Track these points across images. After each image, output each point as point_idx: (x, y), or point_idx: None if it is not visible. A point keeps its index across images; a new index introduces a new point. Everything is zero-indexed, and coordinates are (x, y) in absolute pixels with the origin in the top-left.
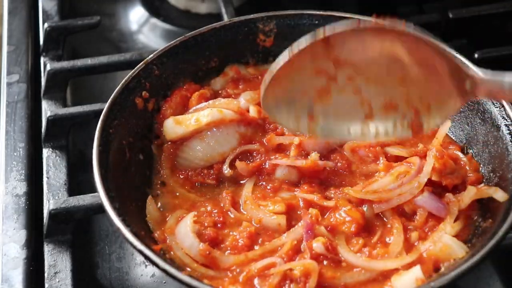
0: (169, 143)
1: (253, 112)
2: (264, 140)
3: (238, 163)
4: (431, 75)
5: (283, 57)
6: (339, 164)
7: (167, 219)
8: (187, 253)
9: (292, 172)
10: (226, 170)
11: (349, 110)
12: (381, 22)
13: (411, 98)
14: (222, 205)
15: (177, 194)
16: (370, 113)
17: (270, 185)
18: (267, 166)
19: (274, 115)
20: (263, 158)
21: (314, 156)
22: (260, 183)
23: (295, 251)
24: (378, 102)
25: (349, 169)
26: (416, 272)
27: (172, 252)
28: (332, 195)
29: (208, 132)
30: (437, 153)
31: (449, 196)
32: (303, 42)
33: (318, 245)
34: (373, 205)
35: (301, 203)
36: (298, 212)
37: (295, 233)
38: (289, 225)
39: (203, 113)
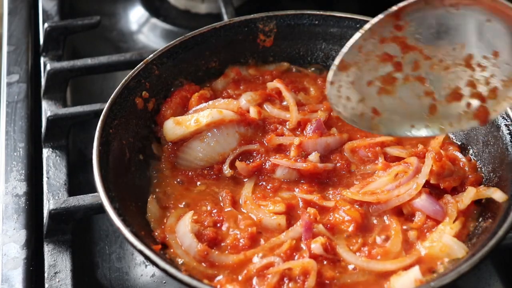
0: (169, 143)
1: (253, 113)
2: (264, 141)
3: (238, 163)
4: (500, 51)
5: (353, 37)
6: (338, 165)
7: (168, 217)
8: (186, 252)
9: (292, 172)
10: (227, 170)
11: (413, 103)
12: None
13: (477, 82)
14: (222, 204)
15: (177, 194)
16: (434, 107)
17: (270, 184)
18: (267, 167)
19: (337, 108)
20: (263, 158)
21: (314, 156)
22: (260, 183)
23: (294, 250)
24: (442, 92)
25: (348, 169)
26: (415, 272)
27: (172, 250)
28: (331, 196)
29: (208, 133)
30: (436, 155)
31: (447, 197)
32: (375, 18)
33: (316, 246)
34: (372, 206)
35: (301, 203)
36: (298, 212)
37: (294, 232)
38: (289, 225)
39: (203, 113)
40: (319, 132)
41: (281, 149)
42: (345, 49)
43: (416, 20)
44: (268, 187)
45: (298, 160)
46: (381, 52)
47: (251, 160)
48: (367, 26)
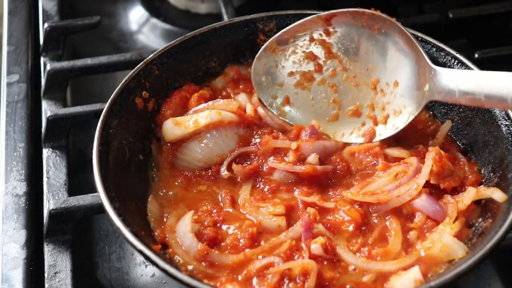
0: (168, 144)
1: (249, 109)
2: (258, 143)
3: (234, 166)
4: (400, 82)
5: (288, 27)
6: (338, 166)
7: (168, 217)
8: (187, 252)
9: (290, 175)
10: (224, 172)
11: (321, 105)
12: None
13: (375, 106)
14: (221, 204)
15: (177, 193)
16: (336, 115)
17: (267, 186)
18: (264, 169)
19: (256, 83)
20: (260, 160)
21: (313, 158)
22: (258, 185)
23: (294, 250)
24: (347, 105)
25: (348, 171)
26: (415, 272)
27: (171, 250)
28: (332, 196)
29: (207, 134)
30: (436, 155)
31: (447, 197)
32: (307, 16)
33: (316, 246)
34: (372, 207)
35: (300, 204)
36: (298, 213)
37: (294, 232)
38: (289, 225)
39: (202, 114)
40: (315, 137)
41: (278, 152)
42: (277, 33)
43: (343, 31)
44: (266, 189)
45: (296, 163)
46: (308, 49)
47: (249, 162)
48: (300, 21)
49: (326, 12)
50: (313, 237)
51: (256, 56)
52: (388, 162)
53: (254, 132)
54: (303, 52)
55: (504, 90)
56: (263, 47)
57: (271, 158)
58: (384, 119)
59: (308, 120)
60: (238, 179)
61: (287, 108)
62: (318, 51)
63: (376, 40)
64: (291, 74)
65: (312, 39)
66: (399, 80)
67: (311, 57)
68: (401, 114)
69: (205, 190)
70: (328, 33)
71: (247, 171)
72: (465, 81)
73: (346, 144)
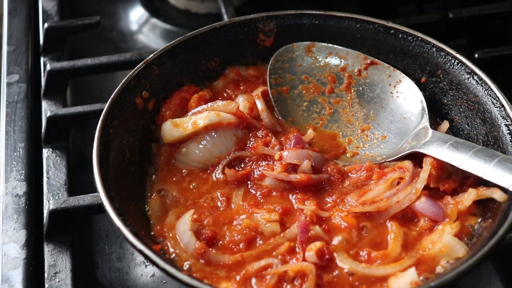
0: (167, 145)
1: (243, 107)
2: (250, 146)
3: (227, 170)
4: (387, 136)
5: (331, 44)
6: (333, 177)
7: (168, 215)
8: (185, 249)
9: (281, 183)
10: (219, 175)
11: (309, 114)
12: None
13: (353, 143)
14: (219, 204)
15: (176, 193)
16: (315, 127)
17: (259, 191)
18: (256, 175)
19: (276, 61)
20: (254, 165)
21: (306, 165)
22: (251, 190)
23: (292, 252)
24: (330, 127)
25: (342, 179)
26: (411, 274)
27: (170, 247)
28: (329, 201)
29: (206, 136)
30: (433, 160)
31: (447, 198)
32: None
33: (310, 254)
34: (372, 215)
35: (296, 207)
36: (295, 217)
37: (292, 233)
38: (285, 228)
39: (200, 116)
40: (299, 147)
41: (269, 157)
42: (322, 43)
43: (371, 80)
44: (258, 194)
45: (288, 171)
46: (334, 73)
47: (244, 166)
48: (346, 48)
49: (371, 58)
50: (309, 239)
51: (293, 44)
52: (382, 169)
53: (251, 135)
54: (329, 71)
55: (480, 172)
56: (305, 43)
57: (264, 163)
58: (351, 154)
59: (285, 116)
60: (229, 180)
61: (281, 96)
62: (340, 79)
63: (392, 101)
64: (306, 78)
65: (343, 69)
66: (388, 137)
67: (332, 80)
68: (371, 157)
69: (204, 190)
70: (359, 73)
71: (239, 176)
72: (449, 156)
73: (332, 156)
